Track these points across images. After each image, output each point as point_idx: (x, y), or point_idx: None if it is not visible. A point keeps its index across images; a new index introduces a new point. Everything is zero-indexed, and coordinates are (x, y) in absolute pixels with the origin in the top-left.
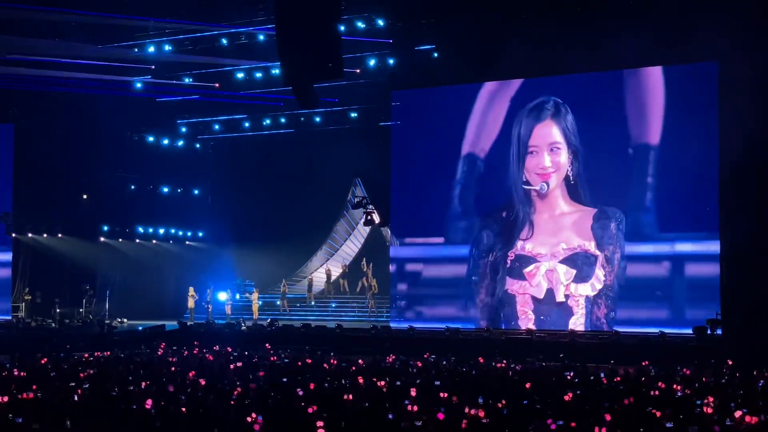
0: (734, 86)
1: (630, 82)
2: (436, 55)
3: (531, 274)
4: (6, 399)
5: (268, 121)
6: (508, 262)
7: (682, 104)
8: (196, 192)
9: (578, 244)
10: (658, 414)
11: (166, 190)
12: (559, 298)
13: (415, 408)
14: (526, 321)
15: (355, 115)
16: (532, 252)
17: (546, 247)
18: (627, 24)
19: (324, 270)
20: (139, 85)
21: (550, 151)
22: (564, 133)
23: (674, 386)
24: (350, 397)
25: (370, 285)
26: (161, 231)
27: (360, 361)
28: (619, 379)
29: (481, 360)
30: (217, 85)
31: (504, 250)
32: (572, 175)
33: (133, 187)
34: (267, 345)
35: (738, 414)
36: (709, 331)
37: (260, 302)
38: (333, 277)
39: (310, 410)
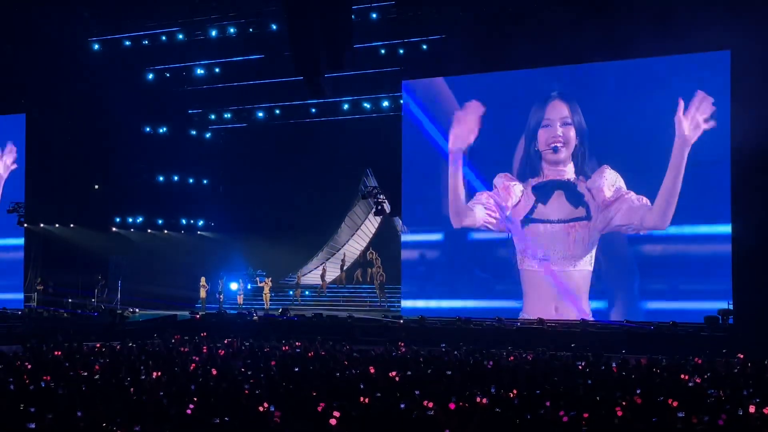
0: (746, 75)
1: (642, 72)
2: (445, 45)
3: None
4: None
5: (278, 111)
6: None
7: (695, 93)
8: (207, 182)
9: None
10: (675, 404)
11: (176, 179)
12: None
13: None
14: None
15: (367, 105)
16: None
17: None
18: (639, 13)
19: (339, 259)
20: (150, 75)
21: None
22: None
23: (685, 376)
24: (362, 386)
25: (379, 274)
26: (172, 220)
27: (372, 351)
28: (631, 369)
29: (495, 356)
30: (227, 75)
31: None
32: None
33: (144, 176)
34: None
35: (752, 408)
36: (720, 321)
37: (272, 294)
38: (346, 266)
39: (321, 405)
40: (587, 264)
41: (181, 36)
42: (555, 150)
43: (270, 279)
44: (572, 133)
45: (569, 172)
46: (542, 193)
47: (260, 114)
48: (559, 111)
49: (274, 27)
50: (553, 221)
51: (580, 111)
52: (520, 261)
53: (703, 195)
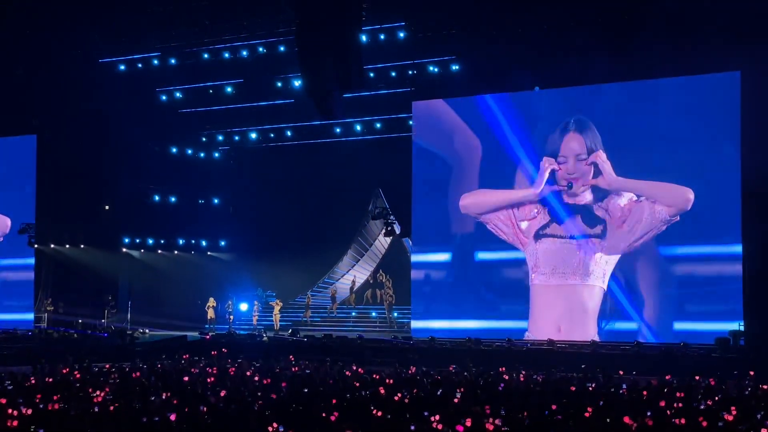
0: (756, 95)
1: (653, 93)
2: (455, 67)
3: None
4: (29, 410)
5: (289, 133)
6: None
7: (705, 113)
8: (217, 202)
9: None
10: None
11: (187, 200)
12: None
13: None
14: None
15: (378, 126)
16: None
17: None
18: (649, 35)
19: (349, 280)
20: (162, 96)
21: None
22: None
23: (697, 397)
24: (372, 408)
25: (389, 295)
26: (182, 241)
27: (381, 372)
28: (643, 391)
29: (506, 377)
30: (238, 96)
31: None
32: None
33: (155, 197)
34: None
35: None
36: (731, 343)
37: (280, 314)
38: (356, 287)
39: (332, 418)
40: (599, 282)
41: (191, 57)
42: (569, 186)
43: (280, 300)
44: (587, 167)
45: (587, 198)
46: (559, 217)
47: (271, 135)
48: (572, 147)
49: (283, 48)
50: (565, 237)
51: (597, 138)
52: (531, 277)
53: (713, 215)
